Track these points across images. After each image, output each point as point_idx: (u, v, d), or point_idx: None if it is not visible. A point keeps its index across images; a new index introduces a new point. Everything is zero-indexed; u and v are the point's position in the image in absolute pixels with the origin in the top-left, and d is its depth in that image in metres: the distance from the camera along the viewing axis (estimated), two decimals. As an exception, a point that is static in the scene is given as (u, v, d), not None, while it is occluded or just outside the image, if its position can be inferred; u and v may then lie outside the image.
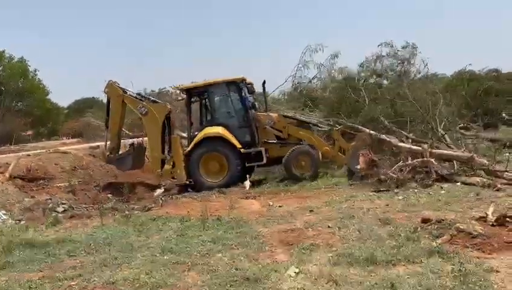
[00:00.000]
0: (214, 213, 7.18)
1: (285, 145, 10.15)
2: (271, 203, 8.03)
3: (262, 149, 9.97)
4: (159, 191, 10.14)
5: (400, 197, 7.60)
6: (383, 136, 9.42)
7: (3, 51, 27.49)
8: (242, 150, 9.82)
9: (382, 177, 8.24)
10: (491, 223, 5.11)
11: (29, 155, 11.70)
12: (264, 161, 9.93)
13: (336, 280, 3.91)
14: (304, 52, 16.12)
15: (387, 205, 7.06)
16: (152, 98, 10.63)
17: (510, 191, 7.29)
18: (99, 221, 7.31)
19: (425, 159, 8.41)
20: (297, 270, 4.28)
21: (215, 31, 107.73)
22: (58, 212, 8.32)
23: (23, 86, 27.78)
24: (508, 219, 5.10)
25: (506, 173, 7.78)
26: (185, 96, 10.93)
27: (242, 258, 4.77)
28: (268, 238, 5.61)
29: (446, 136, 10.33)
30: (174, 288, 4.18)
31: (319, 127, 10.61)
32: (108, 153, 10.59)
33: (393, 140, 9.39)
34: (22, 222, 7.68)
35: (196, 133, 10.29)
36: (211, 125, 10.14)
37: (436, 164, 8.37)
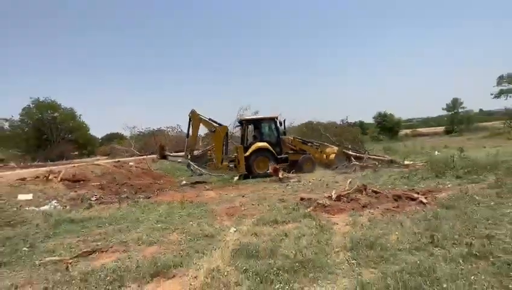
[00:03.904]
0: (188, 199, 8.69)
1: (296, 154, 14.91)
2: (221, 193, 9.94)
3: (288, 156, 14.52)
4: (184, 182, 13.32)
5: (289, 187, 9.48)
6: (345, 150, 15.01)
7: (60, 104, 36.06)
8: (278, 156, 14.10)
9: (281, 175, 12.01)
10: (333, 199, 6.57)
11: (74, 166, 12.97)
12: (288, 163, 14.27)
13: (256, 233, 4.98)
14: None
15: (283, 192, 9.15)
16: (218, 122, 13.63)
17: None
18: (118, 206, 8.34)
19: (364, 160, 13.73)
20: (235, 229, 5.22)
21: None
22: (91, 200, 9.13)
23: (72, 125, 37.06)
24: (342, 197, 6.59)
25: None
26: (242, 124, 14.99)
27: (204, 224, 5.82)
28: (219, 212, 6.88)
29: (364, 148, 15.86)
30: (163, 243, 4.95)
31: (313, 144, 15.54)
32: (189, 154, 13.92)
33: (347, 151, 14.95)
34: (67, 207, 8.43)
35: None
36: (259, 142, 14.25)
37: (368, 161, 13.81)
